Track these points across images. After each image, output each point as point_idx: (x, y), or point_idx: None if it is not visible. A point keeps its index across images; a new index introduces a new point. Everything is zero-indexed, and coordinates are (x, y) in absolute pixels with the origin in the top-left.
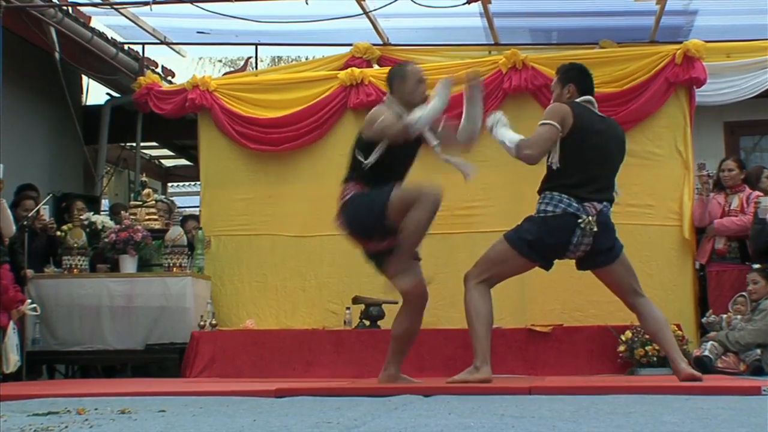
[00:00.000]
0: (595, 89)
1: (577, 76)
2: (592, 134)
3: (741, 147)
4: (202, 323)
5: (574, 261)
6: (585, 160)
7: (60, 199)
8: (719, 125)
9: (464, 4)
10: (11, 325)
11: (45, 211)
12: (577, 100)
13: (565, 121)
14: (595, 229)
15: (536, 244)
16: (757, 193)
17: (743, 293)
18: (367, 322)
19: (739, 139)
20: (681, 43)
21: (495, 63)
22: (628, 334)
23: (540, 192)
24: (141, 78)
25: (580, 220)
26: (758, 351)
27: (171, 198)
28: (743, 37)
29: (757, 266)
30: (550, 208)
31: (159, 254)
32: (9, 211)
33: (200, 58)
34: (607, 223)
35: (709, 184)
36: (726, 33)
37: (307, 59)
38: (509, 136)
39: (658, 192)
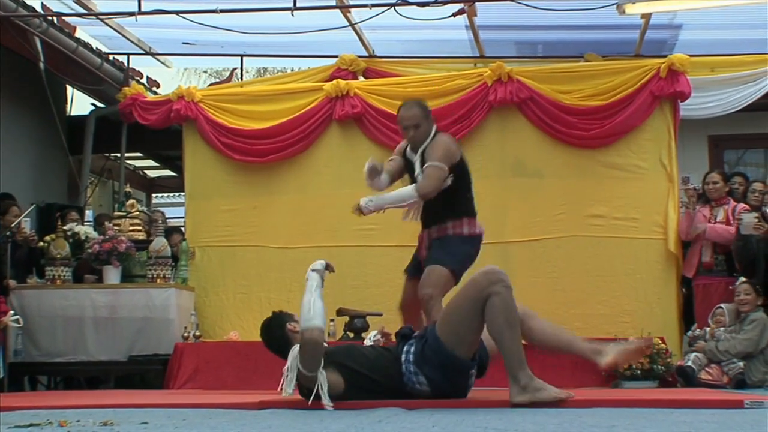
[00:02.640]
0: (581, 102)
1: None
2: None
3: (725, 161)
4: (185, 335)
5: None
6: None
7: (50, 209)
8: (703, 139)
9: (450, 16)
10: None
11: (26, 223)
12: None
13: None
14: None
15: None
16: (742, 205)
17: (721, 306)
18: (351, 334)
19: (723, 153)
20: (666, 57)
21: (480, 75)
22: None
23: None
24: (126, 88)
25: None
26: (741, 364)
27: (160, 209)
28: (727, 51)
29: (743, 279)
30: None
31: (143, 265)
32: None
33: (185, 69)
34: None
35: (695, 197)
36: (710, 47)
37: (292, 71)
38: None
39: (642, 205)
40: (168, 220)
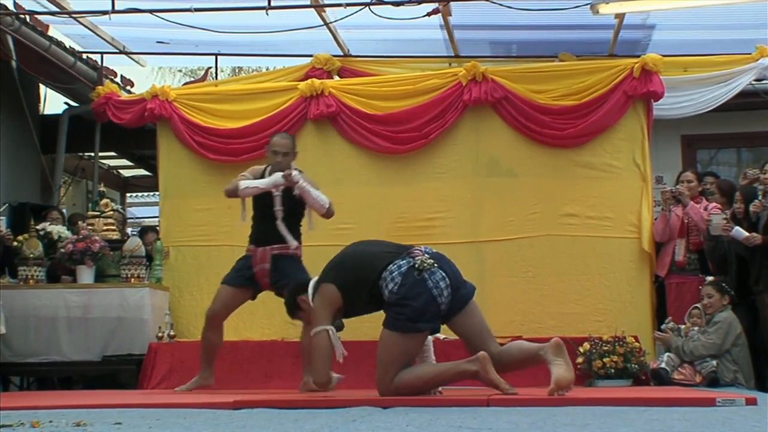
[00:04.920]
0: (555, 102)
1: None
2: None
3: (698, 160)
4: (160, 334)
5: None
6: None
7: (23, 208)
8: (676, 138)
9: (425, 16)
10: None
11: (2, 222)
12: None
13: None
14: None
15: None
16: (714, 204)
17: (697, 305)
18: None
19: (696, 153)
20: (639, 57)
21: (455, 75)
22: (586, 345)
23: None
24: (99, 87)
25: None
26: (714, 363)
27: (121, 209)
28: (700, 51)
29: (710, 278)
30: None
31: (117, 265)
32: None
33: (160, 68)
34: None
35: (671, 199)
36: (683, 48)
37: (267, 70)
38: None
39: (616, 204)
40: (142, 219)
